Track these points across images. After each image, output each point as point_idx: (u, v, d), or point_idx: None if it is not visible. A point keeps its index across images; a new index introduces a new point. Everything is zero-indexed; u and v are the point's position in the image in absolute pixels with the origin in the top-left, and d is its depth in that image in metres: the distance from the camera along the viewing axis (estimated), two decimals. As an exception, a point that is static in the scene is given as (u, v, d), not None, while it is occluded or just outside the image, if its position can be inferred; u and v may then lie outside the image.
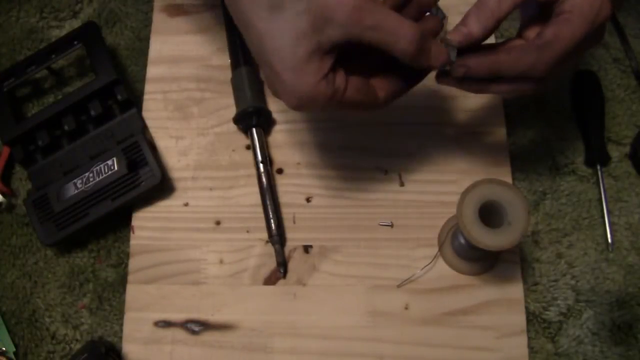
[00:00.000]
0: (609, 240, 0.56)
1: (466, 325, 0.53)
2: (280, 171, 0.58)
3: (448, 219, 0.56)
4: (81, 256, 0.58)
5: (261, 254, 0.56)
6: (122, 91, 0.59)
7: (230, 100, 0.60)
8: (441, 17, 0.61)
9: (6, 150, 0.60)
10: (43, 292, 0.57)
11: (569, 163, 0.59)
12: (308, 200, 0.57)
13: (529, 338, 0.53)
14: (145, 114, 0.61)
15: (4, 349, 0.54)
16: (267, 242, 0.56)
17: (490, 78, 0.45)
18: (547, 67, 0.43)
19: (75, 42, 0.60)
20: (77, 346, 0.55)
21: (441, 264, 0.55)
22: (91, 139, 0.59)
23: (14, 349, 0.55)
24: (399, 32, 0.40)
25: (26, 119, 0.58)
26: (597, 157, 0.58)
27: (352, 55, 0.43)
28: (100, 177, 0.55)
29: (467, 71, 0.45)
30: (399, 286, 0.54)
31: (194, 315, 0.54)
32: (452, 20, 0.62)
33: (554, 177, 0.59)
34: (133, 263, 0.56)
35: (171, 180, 0.58)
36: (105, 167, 0.55)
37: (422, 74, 0.47)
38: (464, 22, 0.44)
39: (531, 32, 0.46)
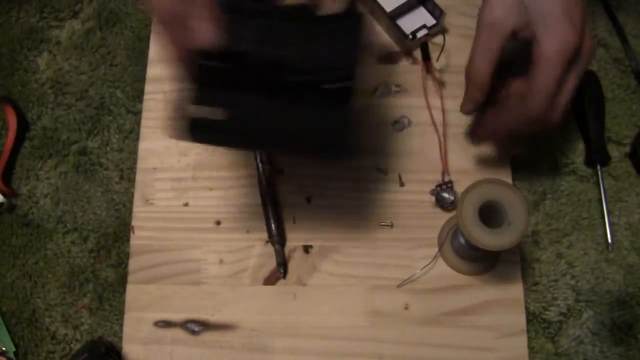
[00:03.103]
0: (609, 240, 0.56)
1: (466, 325, 0.53)
2: (280, 171, 0.58)
3: (448, 219, 0.56)
4: (81, 256, 0.58)
5: (261, 254, 0.56)
6: None
7: (230, 100, 0.60)
8: (438, 14, 0.61)
9: (7, 150, 0.60)
10: (43, 292, 0.57)
11: (569, 163, 0.59)
12: (308, 200, 0.57)
13: (529, 338, 0.53)
14: (145, 114, 0.61)
15: (4, 349, 0.54)
16: (267, 242, 0.56)
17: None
18: (541, 110, 0.47)
19: None
20: (77, 346, 0.55)
21: (441, 264, 0.55)
22: None
23: (14, 349, 0.55)
24: None
25: None
26: (597, 157, 0.58)
27: None
28: None
29: (481, 140, 0.55)
30: (399, 286, 0.54)
31: (194, 315, 0.54)
32: (451, 20, 0.62)
33: (554, 177, 0.59)
34: (133, 263, 0.56)
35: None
36: None
37: None
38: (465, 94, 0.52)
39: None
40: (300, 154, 0.50)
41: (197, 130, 0.42)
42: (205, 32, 0.40)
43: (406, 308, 0.54)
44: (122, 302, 0.55)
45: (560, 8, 0.45)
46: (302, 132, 0.43)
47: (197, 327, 0.54)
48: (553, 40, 0.45)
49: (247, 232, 0.57)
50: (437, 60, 0.61)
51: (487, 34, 0.48)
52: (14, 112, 0.61)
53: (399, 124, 0.60)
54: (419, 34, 0.61)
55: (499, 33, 0.47)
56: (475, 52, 0.49)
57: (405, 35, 0.60)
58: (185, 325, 0.54)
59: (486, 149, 0.58)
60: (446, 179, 0.57)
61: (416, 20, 0.62)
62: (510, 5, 0.46)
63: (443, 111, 0.59)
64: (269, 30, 0.43)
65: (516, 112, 0.49)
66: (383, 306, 0.54)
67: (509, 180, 0.57)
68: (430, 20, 0.62)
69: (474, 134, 0.56)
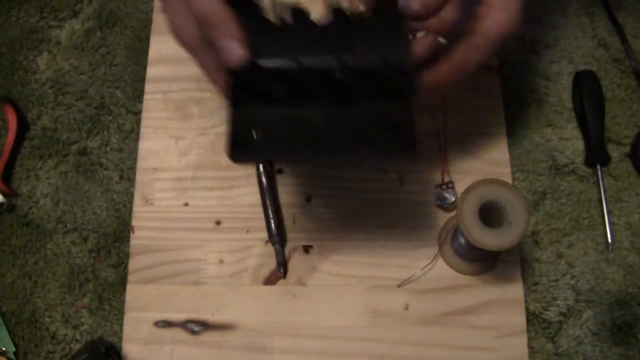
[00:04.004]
0: (609, 240, 0.56)
1: (466, 325, 0.53)
2: (280, 171, 0.58)
3: (448, 219, 0.56)
4: (81, 256, 0.58)
5: (261, 254, 0.56)
6: None
7: (230, 100, 0.60)
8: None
9: (7, 150, 0.60)
10: (43, 292, 0.57)
11: (569, 163, 0.59)
12: (308, 200, 0.57)
13: (529, 338, 0.53)
14: (145, 114, 0.61)
15: (4, 349, 0.54)
16: (267, 242, 0.56)
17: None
18: (454, 84, 0.44)
19: None
20: (77, 346, 0.55)
21: (441, 264, 0.55)
22: None
23: (14, 349, 0.55)
24: None
25: None
26: (597, 157, 0.58)
27: None
28: None
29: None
30: (399, 286, 0.54)
31: (194, 315, 0.54)
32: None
33: (554, 177, 0.59)
34: (133, 263, 0.56)
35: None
36: None
37: None
38: None
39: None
40: (365, 156, 0.47)
41: (243, 150, 0.41)
42: (233, 51, 0.39)
43: (406, 308, 0.54)
44: (122, 302, 0.55)
45: None
46: (365, 133, 0.41)
47: (197, 327, 0.54)
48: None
49: (247, 232, 0.57)
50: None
51: None
52: (14, 112, 0.61)
53: (399, 124, 0.60)
54: (419, 34, 0.61)
55: None
56: None
57: (405, 35, 0.60)
58: (185, 325, 0.54)
59: (486, 149, 0.58)
60: (446, 179, 0.57)
61: (416, 20, 0.62)
62: None
63: (444, 111, 0.58)
64: (304, 36, 0.41)
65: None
66: (383, 306, 0.54)
67: (509, 180, 0.57)
68: (431, 20, 0.62)
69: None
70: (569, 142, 0.60)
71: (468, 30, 0.44)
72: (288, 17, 0.42)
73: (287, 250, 0.56)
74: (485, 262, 0.54)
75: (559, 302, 0.54)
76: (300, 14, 0.42)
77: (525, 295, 0.54)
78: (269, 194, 0.56)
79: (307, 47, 0.41)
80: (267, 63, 0.40)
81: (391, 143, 0.41)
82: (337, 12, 0.42)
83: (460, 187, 0.56)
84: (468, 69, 0.44)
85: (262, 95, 0.40)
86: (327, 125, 0.41)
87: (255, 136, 0.41)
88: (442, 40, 0.43)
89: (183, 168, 0.59)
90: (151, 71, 0.62)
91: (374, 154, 0.43)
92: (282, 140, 0.41)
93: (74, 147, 0.61)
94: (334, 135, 0.41)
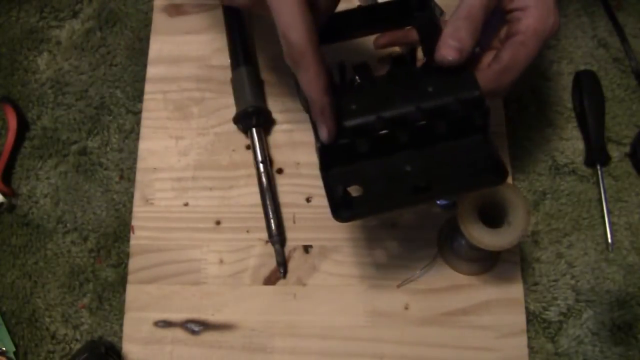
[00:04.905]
0: (609, 240, 0.56)
1: (466, 325, 0.53)
2: (280, 171, 0.58)
3: (448, 218, 0.56)
4: (81, 256, 0.58)
5: (261, 254, 0.56)
6: None
7: (230, 100, 0.60)
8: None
9: (7, 150, 0.60)
10: (43, 292, 0.57)
11: (569, 163, 0.59)
12: (308, 200, 0.57)
13: (529, 338, 0.53)
14: (145, 114, 0.61)
15: (4, 349, 0.54)
16: (267, 242, 0.56)
17: None
18: (507, 87, 0.46)
19: None
20: (77, 346, 0.55)
21: (441, 264, 0.55)
22: None
23: (14, 349, 0.55)
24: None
25: None
26: (597, 157, 0.58)
27: None
28: None
29: None
30: (399, 286, 0.54)
31: (194, 315, 0.54)
32: (452, 20, 0.62)
33: (554, 177, 0.59)
34: (133, 263, 0.56)
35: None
36: None
37: None
38: (453, 35, 0.42)
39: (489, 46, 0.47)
40: (456, 191, 0.48)
41: (345, 208, 0.42)
42: (324, 132, 0.41)
43: (406, 308, 0.54)
44: (122, 302, 0.55)
45: None
46: (452, 169, 0.43)
47: (197, 327, 0.54)
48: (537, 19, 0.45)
49: (247, 232, 0.57)
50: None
51: None
52: (14, 112, 0.61)
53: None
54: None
55: None
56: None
57: (405, 35, 0.60)
58: (185, 325, 0.54)
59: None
60: None
61: (416, 20, 0.62)
62: None
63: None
64: (375, 89, 0.43)
65: (486, 86, 0.45)
66: (383, 306, 0.54)
67: (509, 180, 0.57)
68: (431, 20, 0.62)
69: None
70: (569, 142, 0.60)
71: (510, 33, 0.45)
72: (354, 75, 0.44)
73: (287, 250, 0.56)
74: (485, 262, 0.54)
75: (559, 302, 0.54)
76: (363, 69, 0.44)
77: (525, 295, 0.54)
78: (269, 194, 0.56)
79: (382, 100, 0.42)
80: (349, 123, 0.41)
81: (479, 174, 0.42)
82: (397, 60, 0.44)
83: (460, 187, 0.56)
84: (519, 66, 0.45)
85: (349, 153, 0.42)
86: (415, 168, 0.43)
87: (352, 193, 0.42)
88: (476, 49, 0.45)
89: (183, 168, 0.59)
90: (151, 71, 0.62)
91: (464, 188, 0.45)
92: (378, 191, 0.42)
93: (74, 147, 0.61)
94: (423, 177, 0.42)
